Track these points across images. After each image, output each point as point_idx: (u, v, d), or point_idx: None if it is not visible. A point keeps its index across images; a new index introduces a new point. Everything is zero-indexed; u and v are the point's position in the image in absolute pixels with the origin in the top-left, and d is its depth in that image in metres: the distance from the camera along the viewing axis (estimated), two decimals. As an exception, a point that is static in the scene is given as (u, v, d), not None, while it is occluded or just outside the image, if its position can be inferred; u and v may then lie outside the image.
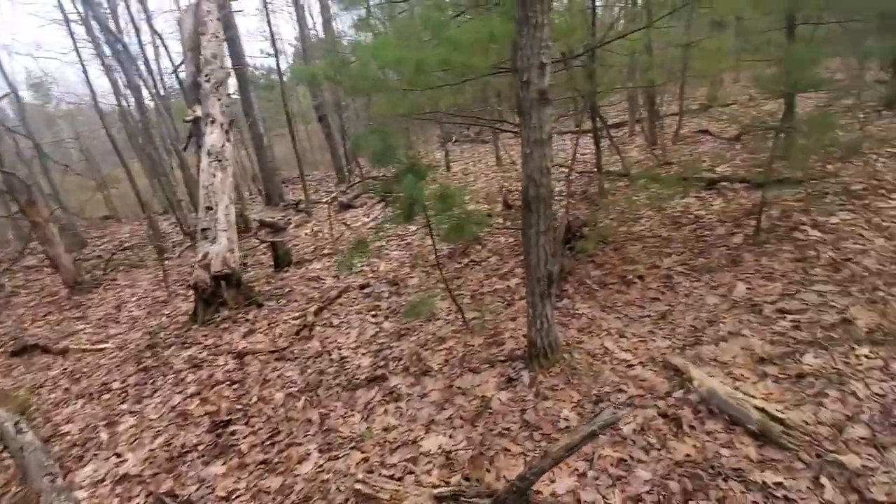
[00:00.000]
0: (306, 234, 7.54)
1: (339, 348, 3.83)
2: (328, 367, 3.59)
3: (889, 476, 1.87)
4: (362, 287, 4.84)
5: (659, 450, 2.29)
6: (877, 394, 2.29)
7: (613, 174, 6.73)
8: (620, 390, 2.73)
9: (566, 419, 2.59)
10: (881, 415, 2.16)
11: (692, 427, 2.35)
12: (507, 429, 2.63)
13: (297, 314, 4.59)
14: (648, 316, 3.46)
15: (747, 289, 3.50)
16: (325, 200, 8.22)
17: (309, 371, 3.63)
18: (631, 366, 2.94)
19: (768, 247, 3.97)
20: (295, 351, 3.96)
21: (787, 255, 3.79)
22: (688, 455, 2.21)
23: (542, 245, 2.73)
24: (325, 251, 6.48)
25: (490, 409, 2.79)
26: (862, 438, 2.07)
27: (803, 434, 2.13)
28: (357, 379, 3.34)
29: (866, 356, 2.53)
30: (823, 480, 1.93)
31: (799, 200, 4.72)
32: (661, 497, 2.04)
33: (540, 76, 2.50)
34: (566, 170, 7.49)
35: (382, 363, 3.46)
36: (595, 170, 6.16)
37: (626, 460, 2.28)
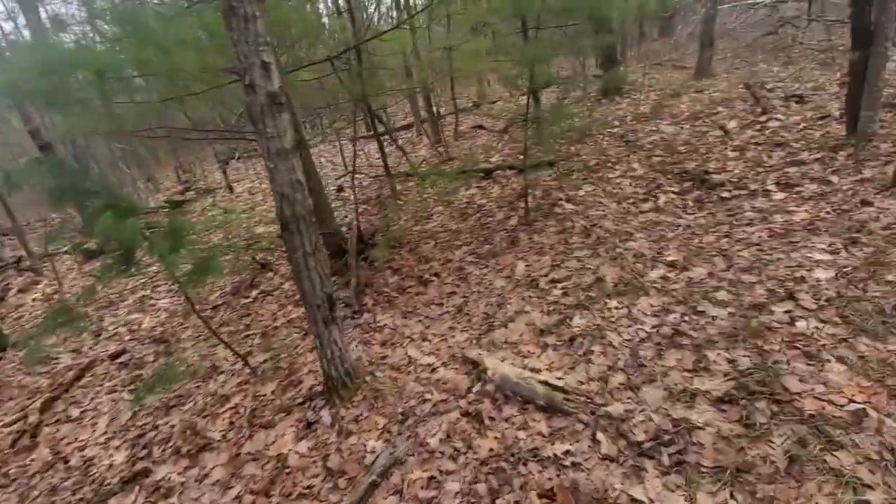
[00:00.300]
0: (36, 299, 5.75)
1: (82, 448, 2.87)
2: (63, 480, 2.64)
3: (644, 414, 2.11)
4: (115, 356, 3.80)
5: (465, 453, 2.21)
6: (626, 340, 2.61)
7: (403, 175, 6.83)
8: (425, 399, 2.60)
9: (373, 451, 2.33)
10: (631, 358, 2.46)
11: (492, 419, 2.34)
12: (309, 486, 2.24)
13: (11, 418, 3.34)
14: (447, 312, 3.47)
15: (525, 266, 3.79)
16: (63, 251, 6.41)
17: (34, 496, 2.62)
18: (434, 369, 2.85)
19: (537, 224, 4.42)
20: (10, 471, 2.83)
21: (552, 230, 4.26)
22: (491, 450, 2.17)
23: (313, 267, 2.41)
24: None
25: (287, 467, 2.37)
26: (621, 384, 2.31)
27: (580, 395, 2.29)
28: (108, 484, 2.52)
29: (615, 307, 2.90)
30: (599, 436, 2.07)
31: (555, 179, 5.42)
32: (470, 506, 1.94)
33: (265, 77, 2.15)
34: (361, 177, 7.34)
35: (144, 452, 2.69)
36: (385, 173, 6.11)
37: (435, 477, 2.13)
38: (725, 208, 3.93)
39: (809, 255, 2.89)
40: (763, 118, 5.35)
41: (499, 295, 3.48)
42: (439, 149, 7.77)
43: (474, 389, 2.54)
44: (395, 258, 4.34)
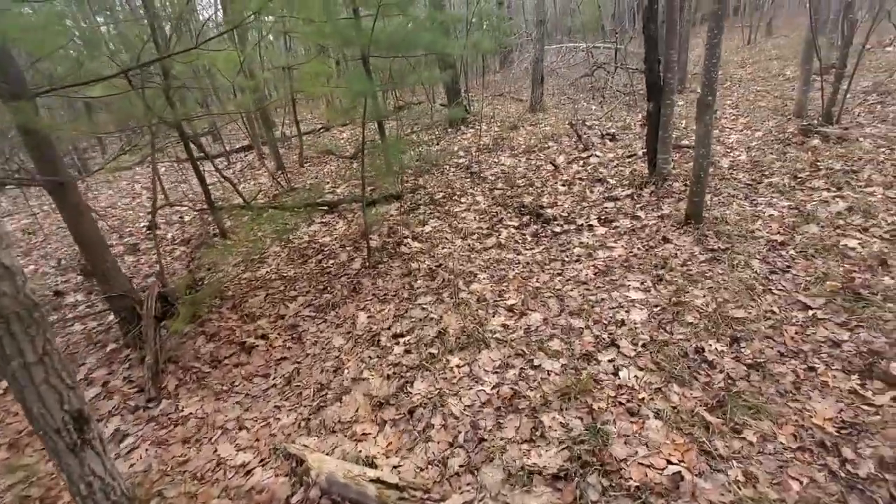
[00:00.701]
0: None
1: None
2: None
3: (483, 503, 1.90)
4: None
5: None
6: (467, 406, 2.42)
7: (236, 208, 6.00)
8: (231, 523, 2.06)
9: None
10: (472, 430, 2.27)
11: (314, 539, 1.92)
12: None
13: None
14: (274, 385, 2.94)
15: (367, 318, 3.45)
16: None
17: None
18: (249, 472, 2.31)
19: (382, 266, 4.12)
20: None
21: (397, 272, 4.00)
22: (311, 585, 1.75)
23: (42, 380, 1.71)
24: None
25: None
26: (461, 466, 2.09)
27: (416, 490, 2.00)
28: None
29: (457, 365, 2.72)
30: (437, 542, 1.80)
31: (402, 213, 5.23)
32: None
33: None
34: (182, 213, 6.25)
35: None
36: (207, 206, 5.25)
37: None
38: (558, 243, 4.12)
39: (627, 293, 3.08)
40: (585, 154, 5.91)
41: (336, 357, 3.06)
42: (280, 177, 7.08)
43: (294, 499, 2.08)
44: (211, 319, 3.63)
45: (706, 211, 3.80)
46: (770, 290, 2.83)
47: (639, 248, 3.67)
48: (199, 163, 5.18)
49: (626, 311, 2.89)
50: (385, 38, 4.34)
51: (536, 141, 6.83)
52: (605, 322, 2.82)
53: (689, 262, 3.27)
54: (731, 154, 5.15)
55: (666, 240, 3.62)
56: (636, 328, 2.71)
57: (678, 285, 3.03)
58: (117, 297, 3.30)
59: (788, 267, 3.03)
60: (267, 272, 4.43)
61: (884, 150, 4.43)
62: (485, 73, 13.84)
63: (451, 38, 8.03)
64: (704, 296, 2.87)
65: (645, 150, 5.42)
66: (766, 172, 4.48)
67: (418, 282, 3.81)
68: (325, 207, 5.70)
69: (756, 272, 3.03)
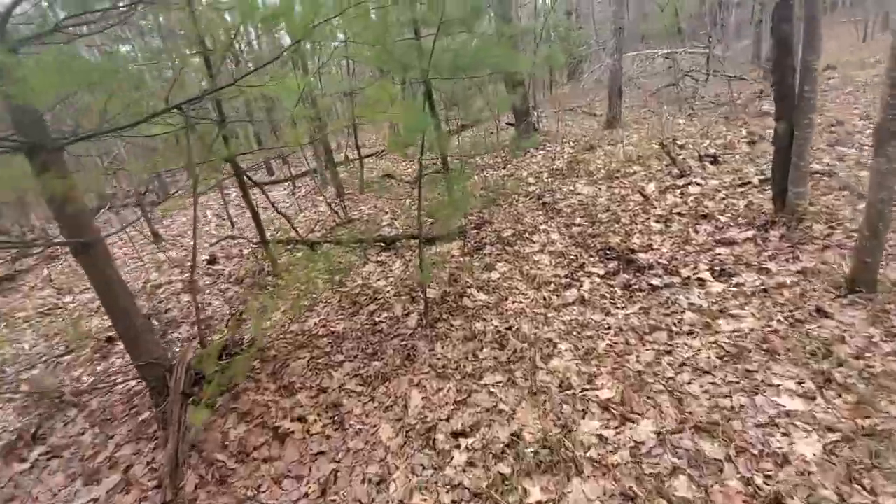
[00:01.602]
0: None
1: None
2: None
3: None
4: None
5: None
6: (557, 580, 1.70)
7: (294, 242, 5.69)
8: None
9: None
10: None
11: None
12: None
13: None
14: (306, 496, 2.38)
15: (422, 399, 2.82)
16: None
17: None
18: None
19: (440, 326, 3.50)
20: None
21: (458, 335, 3.36)
22: None
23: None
24: None
25: None
26: None
27: None
28: None
29: (538, 503, 2.00)
30: None
31: (465, 254, 4.59)
32: None
33: None
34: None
35: None
36: (260, 241, 4.94)
37: None
38: (658, 302, 3.29)
39: (778, 400, 2.20)
40: (681, 182, 4.96)
41: (382, 461, 2.46)
42: (337, 206, 6.74)
43: None
44: (247, 389, 3.18)
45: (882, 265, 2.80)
46: None
47: (780, 321, 2.75)
48: (262, 189, 4.88)
49: (784, 435, 2.02)
50: (448, 59, 3.77)
51: (618, 164, 5.95)
52: (756, 453, 1.97)
53: (869, 355, 2.32)
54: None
55: (822, 312, 2.67)
56: (809, 472, 1.84)
57: (859, 395, 2.11)
58: (146, 366, 2.93)
59: None
60: (315, 324, 3.96)
61: None
62: (552, 87, 13.02)
63: (520, 54, 7.38)
64: (912, 419, 1.94)
65: (765, 178, 4.41)
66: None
67: (484, 350, 3.13)
68: (382, 244, 5.21)
69: None
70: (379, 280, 4.53)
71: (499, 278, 4.04)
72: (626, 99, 10.13)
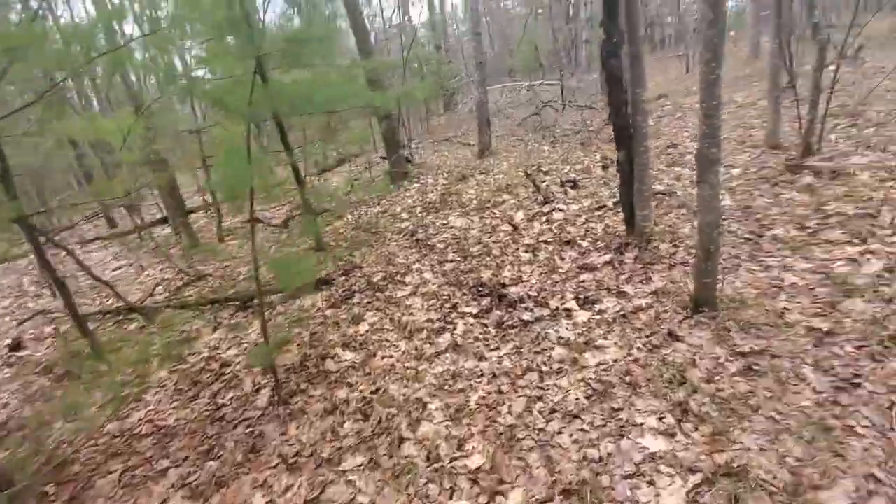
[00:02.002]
0: None
1: None
2: None
3: None
4: None
5: None
6: None
7: (121, 312, 4.73)
8: None
9: None
10: None
11: None
12: None
13: None
14: None
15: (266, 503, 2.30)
16: None
17: None
18: None
19: (296, 401, 2.99)
20: None
21: (317, 408, 2.88)
22: None
23: None
24: None
25: None
26: None
27: None
28: None
29: None
30: None
31: (331, 306, 4.14)
32: None
33: None
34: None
35: None
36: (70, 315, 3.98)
37: None
38: (530, 338, 3.15)
39: (643, 442, 2.09)
40: (546, 209, 5.07)
41: None
42: (187, 261, 5.85)
43: None
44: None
45: (717, 287, 2.94)
46: (852, 428, 1.91)
47: (640, 349, 2.73)
48: (68, 252, 3.91)
49: (650, 485, 1.89)
50: (288, 96, 3.39)
51: (490, 194, 5.98)
52: (624, 515, 1.80)
53: (718, 377, 2.34)
54: (713, 198, 4.42)
55: (673, 336, 2.70)
56: (675, 528, 1.70)
57: (714, 424, 2.07)
58: None
59: (857, 376, 2.15)
60: (140, 419, 3.19)
61: (890, 183, 3.79)
62: (429, 118, 13.24)
63: (386, 87, 7.24)
64: (761, 448, 1.92)
65: (617, 201, 4.64)
66: (764, 222, 3.73)
67: (346, 425, 2.70)
68: (237, 303, 4.54)
69: (816, 391, 2.12)
70: (230, 349, 3.87)
71: (368, 330, 3.65)
72: (497, 128, 10.58)
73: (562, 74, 9.35)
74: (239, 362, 3.63)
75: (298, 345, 3.61)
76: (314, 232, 4.75)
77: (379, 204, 6.74)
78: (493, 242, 4.65)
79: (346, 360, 3.32)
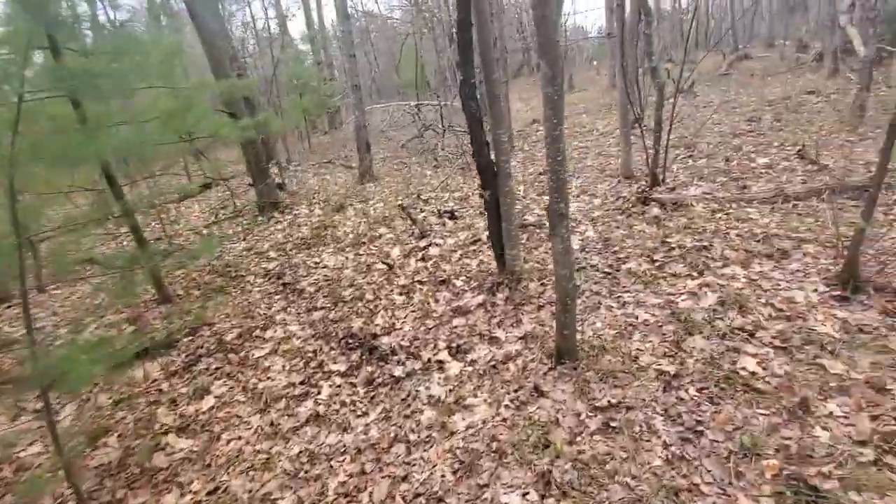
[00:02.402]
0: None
1: None
2: None
3: None
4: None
5: None
6: None
7: None
8: None
9: None
10: None
11: None
12: None
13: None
14: None
15: None
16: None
17: None
18: None
19: (106, 520, 2.37)
20: None
21: (134, 526, 2.30)
22: None
23: None
24: None
25: None
26: None
27: None
28: None
29: None
30: None
31: (171, 375, 3.49)
32: None
33: None
34: None
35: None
36: None
37: None
38: (401, 398, 2.90)
39: (506, 530, 1.92)
40: (423, 243, 4.90)
41: None
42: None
43: None
44: None
45: (579, 331, 2.96)
46: (697, 486, 1.93)
47: (508, 405, 2.60)
48: None
49: (511, 590, 1.71)
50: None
51: (366, 227, 5.67)
52: None
53: (579, 437, 2.28)
54: (578, 228, 4.61)
55: (539, 391, 2.62)
56: None
57: (575, 498, 1.98)
58: None
59: (700, 423, 2.22)
60: None
61: (719, 214, 4.24)
62: (309, 137, 12.57)
63: (255, 107, 6.58)
64: (619, 524, 1.85)
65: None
66: (621, 255, 3.93)
67: (169, 547, 2.17)
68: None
69: (667, 444, 2.14)
70: (33, 443, 3.04)
71: (213, 406, 3.10)
72: (381, 150, 10.35)
73: (438, 97, 9.41)
74: (38, 466, 2.85)
75: (119, 435, 2.94)
76: (153, 280, 4.03)
77: (245, 239, 6.06)
78: (368, 284, 4.34)
79: (180, 451, 2.76)
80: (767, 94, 9.04)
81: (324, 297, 4.28)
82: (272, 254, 5.37)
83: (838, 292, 2.96)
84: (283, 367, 3.46)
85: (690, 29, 5.36)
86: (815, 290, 3.03)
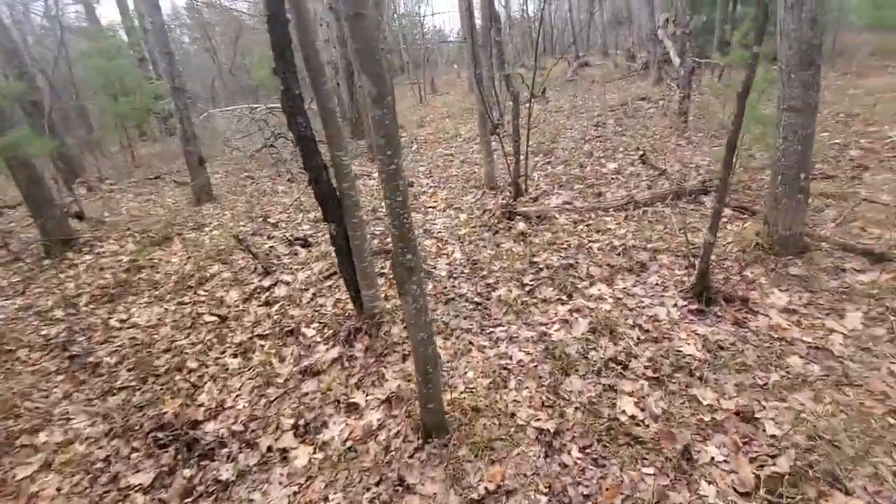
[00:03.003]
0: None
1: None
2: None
3: None
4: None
5: None
6: None
7: None
8: None
9: None
10: None
11: None
12: None
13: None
14: None
15: None
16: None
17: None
18: None
19: None
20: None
21: None
22: None
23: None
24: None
25: None
26: None
27: None
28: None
29: None
30: None
31: None
32: None
33: None
34: None
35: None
36: None
37: None
38: (228, 515, 2.15)
39: None
40: (268, 282, 4.08)
41: None
42: None
43: None
44: None
45: (448, 387, 2.51)
46: None
47: (367, 509, 2.04)
48: None
49: None
50: None
51: (194, 265, 4.60)
52: None
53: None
54: (445, 249, 4.23)
55: (404, 484, 2.10)
56: None
57: None
58: None
59: (588, 498, 1.90)
60: None
61: (581, 226, 4.18)
62: (133, 148, 10.49)
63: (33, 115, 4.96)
64: None
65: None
66: (490, 280, 3.61)
67: None
68: None
69: (555, 541, 1.77)
70: None
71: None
72: (224, 163, 8.98)
73: (266, 105, 8.42)
74: None
75: None
76: None
77: (23, 293, 4.54)
78: (191, 346, 3.41)
79: None
80: (608, 99, 9.80)
81: (128, 371, 3.25)
82: (58, 313, 4.04)
83: (695, 306, 2.96)
84: (59, 489, 2.45)
85: (538, 36, 5.29)
86: (675, 305, 3.00)
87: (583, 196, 4.96)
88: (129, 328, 3.72)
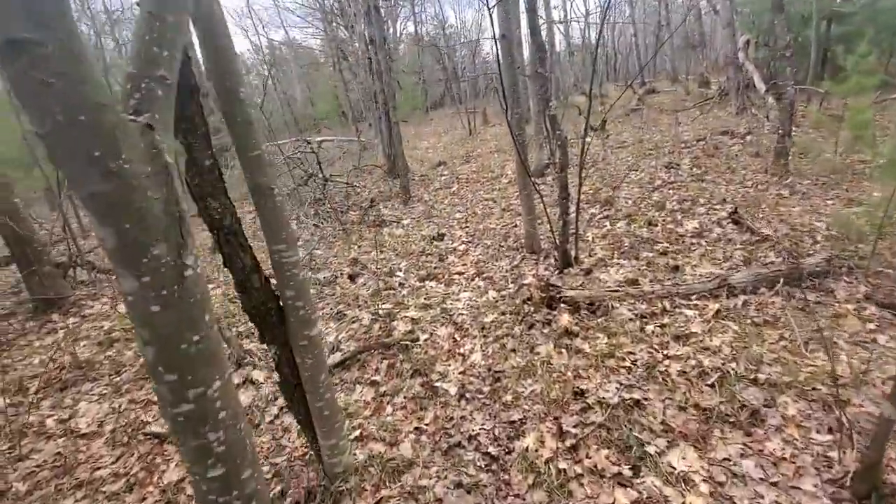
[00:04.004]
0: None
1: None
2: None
3: None
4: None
5: None
6: None
7: None
8: None
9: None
10: None
11: None
12: None
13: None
14: None
15: None
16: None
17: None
18: None
19: None
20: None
21: None
22: None
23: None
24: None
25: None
26: None
27: None
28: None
29: None
30: None
31: None
32: None
33: None
34: None
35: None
36: None
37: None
38: None
39: None
40: (238, 379, 3.23)
41: None
42: None
43: None
44: None
45: None
46: None
47: None
48: None
49: None
50: None
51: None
52: None
53: None
54: (462, 347, 3.19)
55: None
56: None
57: None
58: None
59: None
60: None
61: (651, 327, 2.99)
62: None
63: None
64: None
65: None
66: (515, 412, 2.51)
67: None
68: None
69: None
70: None
71: None
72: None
73: (307, 140, 7.87)
74: None
75: None
76: None
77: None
78: (112, 479, 2.58)
79: None
80: (681, 132, 8.42)
81: (28, 513, 2.47)
82: (1, 401, 3.42)
83: (859, 518, 1.71)
84: None
85: (595, 61, 4.25)
86: (822, 511, 1.76)
87: (653, 269, 3.76)
88: (61, 436, 2.99)
